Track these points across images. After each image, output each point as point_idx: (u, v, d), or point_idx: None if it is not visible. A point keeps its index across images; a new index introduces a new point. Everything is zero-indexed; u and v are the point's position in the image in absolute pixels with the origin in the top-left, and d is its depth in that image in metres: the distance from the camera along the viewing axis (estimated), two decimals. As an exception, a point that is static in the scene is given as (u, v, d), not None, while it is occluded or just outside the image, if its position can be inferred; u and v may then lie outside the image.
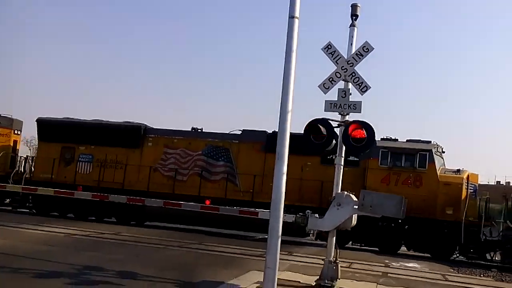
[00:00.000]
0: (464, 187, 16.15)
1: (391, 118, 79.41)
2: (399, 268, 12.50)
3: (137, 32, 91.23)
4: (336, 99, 8.62)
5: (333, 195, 8.45)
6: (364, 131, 8.19)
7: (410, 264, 13.64)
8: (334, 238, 8.46)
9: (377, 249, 16.55)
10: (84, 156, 19.46)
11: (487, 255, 16.08)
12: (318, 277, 8.38)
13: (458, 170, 16.75)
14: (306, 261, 11.75)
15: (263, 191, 17.33)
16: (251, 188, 17.66)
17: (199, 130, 19.14)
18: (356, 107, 8.53)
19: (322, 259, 8.61)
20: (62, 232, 13.79)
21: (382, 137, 16.99)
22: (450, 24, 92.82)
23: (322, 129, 8.37)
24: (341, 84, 8.74)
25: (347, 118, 8.58)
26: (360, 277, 9.98)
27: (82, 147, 19.55)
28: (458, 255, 16.47)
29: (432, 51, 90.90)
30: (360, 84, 8.61)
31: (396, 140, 17.22)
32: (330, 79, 8.74)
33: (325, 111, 8.67)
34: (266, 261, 6.19)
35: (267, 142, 17.77)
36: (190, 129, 19.18)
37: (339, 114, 8.62)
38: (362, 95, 8.62)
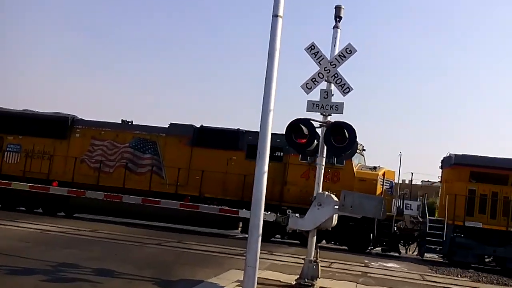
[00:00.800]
0: (379, 183, 16.83)
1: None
2: (379, 268, 12.63)
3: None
4: (319, 100, 8.66)
5: (314, 194, 8.49)
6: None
7: (389, 264, 13.82)
8: (315, 237, 8.50)
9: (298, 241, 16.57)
10: (12, 146, 19.40)
11: (403, 247, 17.28)
12: (298, 276, 8.41)
13: (375, 167, 17.50)
14: (287, 260, 11.76)
15: (188, 183, 17.65)
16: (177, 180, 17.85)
17: (128, 123, 19.29)
18: (338, 108, 8.60)
19: (303, 259, 8.63)
20: (38, 229, 13.50)
21: None
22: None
23: (304, 129, 8.39)
24: (323, 85, 8.79)
25: (329, 118, 8.63)
26: (340, 277, 10.04)
27: (11, 137, 19.51)
28: (372, 247, 17.15)
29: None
30: (342, 86, 8.68)
31: None
32: (313, 80, 8.78)
33: (307, 111, 8.71)
34: (246, 259, 6.16)
35: (194, 136, 17.98)
36: (119, 121, 19.33)
37: (321, 114, 8.66)
38: (344, 96, 8.71)
